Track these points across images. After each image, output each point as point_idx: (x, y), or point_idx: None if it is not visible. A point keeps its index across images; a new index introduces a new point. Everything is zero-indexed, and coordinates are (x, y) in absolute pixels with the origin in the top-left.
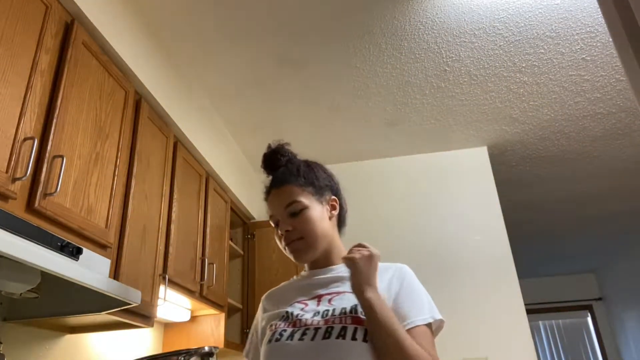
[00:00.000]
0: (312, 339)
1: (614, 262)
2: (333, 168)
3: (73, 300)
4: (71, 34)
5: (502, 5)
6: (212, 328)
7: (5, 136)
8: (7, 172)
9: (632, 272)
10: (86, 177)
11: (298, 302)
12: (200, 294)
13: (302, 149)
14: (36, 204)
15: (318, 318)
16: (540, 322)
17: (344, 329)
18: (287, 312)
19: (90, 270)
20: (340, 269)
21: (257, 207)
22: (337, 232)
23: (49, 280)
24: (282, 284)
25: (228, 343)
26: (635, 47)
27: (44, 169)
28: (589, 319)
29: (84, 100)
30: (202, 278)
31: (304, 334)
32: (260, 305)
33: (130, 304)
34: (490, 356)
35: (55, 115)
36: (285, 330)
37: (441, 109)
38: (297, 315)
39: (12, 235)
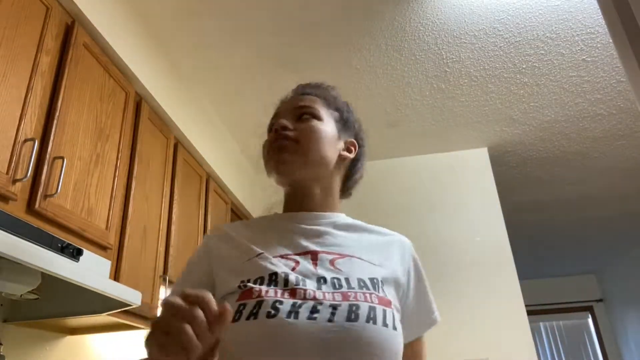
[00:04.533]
0: (330, 319)
1: (614, 263)
2: None
3: (73, 302)
4: (72, 36)
5: (502, 7)
6: None
7: (5, 137)
8: (7, 173)
9: (632, 273)
10: (86, 179)
11: (281, 255)
12: None
13: None
14: (36, 205)
15: (327, 288)
16: (541, 324)
17: (372, 310)
18: (274, 272)
19: (90, 271)
20: (334, 218)
21: (258, 209)
22: (337, 180)
23: (49, 282)
24: (240, 222)
25: None
26: (635, 48)
27: (45, 170)
28: (590, 320)
29: (84, 101)
30: None
31: (314, 310)
32: (207, 243)
33: (130, 305)
34: (490, 357)
35: (56, 117)
36: (281, 302)
37: (441, 110)
38: (293, 280)
39: (12, 237)
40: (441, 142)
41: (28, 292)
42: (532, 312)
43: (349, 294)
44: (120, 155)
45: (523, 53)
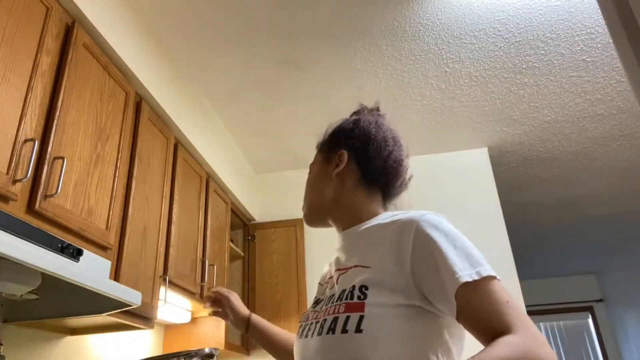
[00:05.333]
0: (312, 335)
1: (614, 264)
2: None
3: (73, 302)
4: (72, 36)
5: (502, 7)
6: (212, 330)
7: (5, 137)
8: (7, 173)
9: (632, 273)
10: (87, 179)
11: (326, 281)
12: (201, 296)
13: (303, 151)
14: (37, 206)
15: (325, 307)
16: (541, 324)
17: (335, 320)
18: (315, 297)
19: (90, 271)
20: (347, 236)
21: (257, 209)
22: (352, 190)
23: (49, 282)
24: None
25: (229, 345)
26: (635, 48)
27: (45, 171)
28: (590, 321)
29: (84, 101)
30: (202, 279)
31: (310, 329)
32: None
33: (130, 306)
34: None
35: (56, 117)
36: (301, 325)
37: (441, 110)
38: (315, 303)
39: (12, 237)
40: (441, 142)
41: (28, 292)
42: (533, 312)
43: (329, 309)
44: (120, 155)
45: (523, 53)
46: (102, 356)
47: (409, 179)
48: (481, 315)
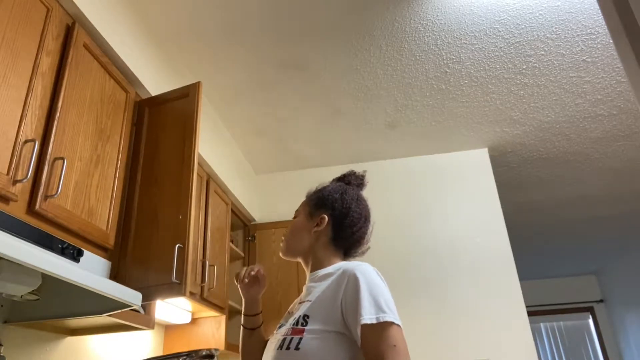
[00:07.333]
0: (271, 349)
1: (615, 264)
2: (334, 170)
3: (74, 302)
4: (72, 36)
5: (503, 7)
6: (212, 330)
7: (6, 138)
8: (8, 174)
9: (633, 273)
10: (87, 179)
11: (294, 306)
12: (201, 296)
13: (303, 151)
14: (37, 206)
15: (283, 329)
16: (542, 324)
17: (284, 340)
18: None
19: (91, 272)
20: (311, 277)
21: (258, 209)
22: (323, 245)
23: (49, 283)
24: None
25: (229, 345)
26: (635, 48)
27: (45, 171)
28: (590, 321)
29: (84, 102)
30: (202, 280)
31: (271, 344)
32: None
33: (130, 306)
34: (491, 358)
35: (56, 118)
36: (270, 342)
37: (442, 111)
38: (279, 325)
39: (13, 238)
40: (441, 142)
41: (28, 292)
42: (533, 312)
43: (285, 330)
44: (120, 155)
45: (523, 54)
46: (103, 356)
47: (367, 249)
48: (370, 350)
